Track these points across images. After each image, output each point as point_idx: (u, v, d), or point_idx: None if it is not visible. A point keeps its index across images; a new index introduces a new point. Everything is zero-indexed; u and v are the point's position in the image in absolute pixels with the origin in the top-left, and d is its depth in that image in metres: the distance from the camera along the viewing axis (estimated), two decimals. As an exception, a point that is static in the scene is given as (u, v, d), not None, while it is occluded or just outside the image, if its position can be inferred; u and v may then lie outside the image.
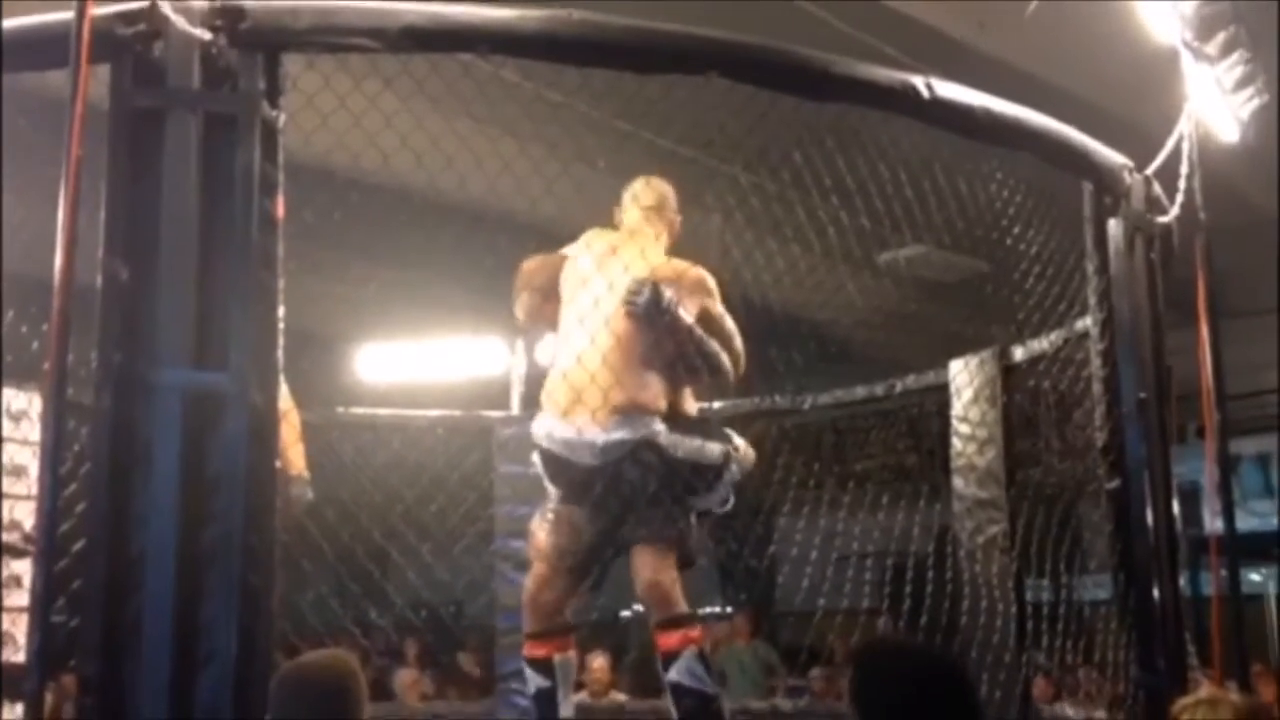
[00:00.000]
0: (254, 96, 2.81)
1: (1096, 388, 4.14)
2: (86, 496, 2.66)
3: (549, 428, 4.27)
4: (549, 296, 4.43)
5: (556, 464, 4.30)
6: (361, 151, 3.44)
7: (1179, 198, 4.18)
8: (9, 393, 4.93)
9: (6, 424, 4.95)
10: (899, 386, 5.96)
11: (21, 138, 3.03)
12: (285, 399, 4.12)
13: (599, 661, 7.54)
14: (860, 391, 6.14)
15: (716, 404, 5.59)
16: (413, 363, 9.82)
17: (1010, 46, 7.03)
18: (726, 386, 4.63)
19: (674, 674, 4.10)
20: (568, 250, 4.47)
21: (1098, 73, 7.06)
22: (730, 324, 4.40)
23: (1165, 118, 4.27)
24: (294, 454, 4.99)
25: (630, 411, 4.14)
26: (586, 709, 6.73)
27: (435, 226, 6.25)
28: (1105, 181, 4.05)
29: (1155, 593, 3.91)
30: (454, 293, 8.16)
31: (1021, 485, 5.23)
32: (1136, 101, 5.93)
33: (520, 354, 6.92)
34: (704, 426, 4.45)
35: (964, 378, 5.36)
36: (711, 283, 4.39)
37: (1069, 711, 5.37)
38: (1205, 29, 4.15)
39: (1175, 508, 4.06)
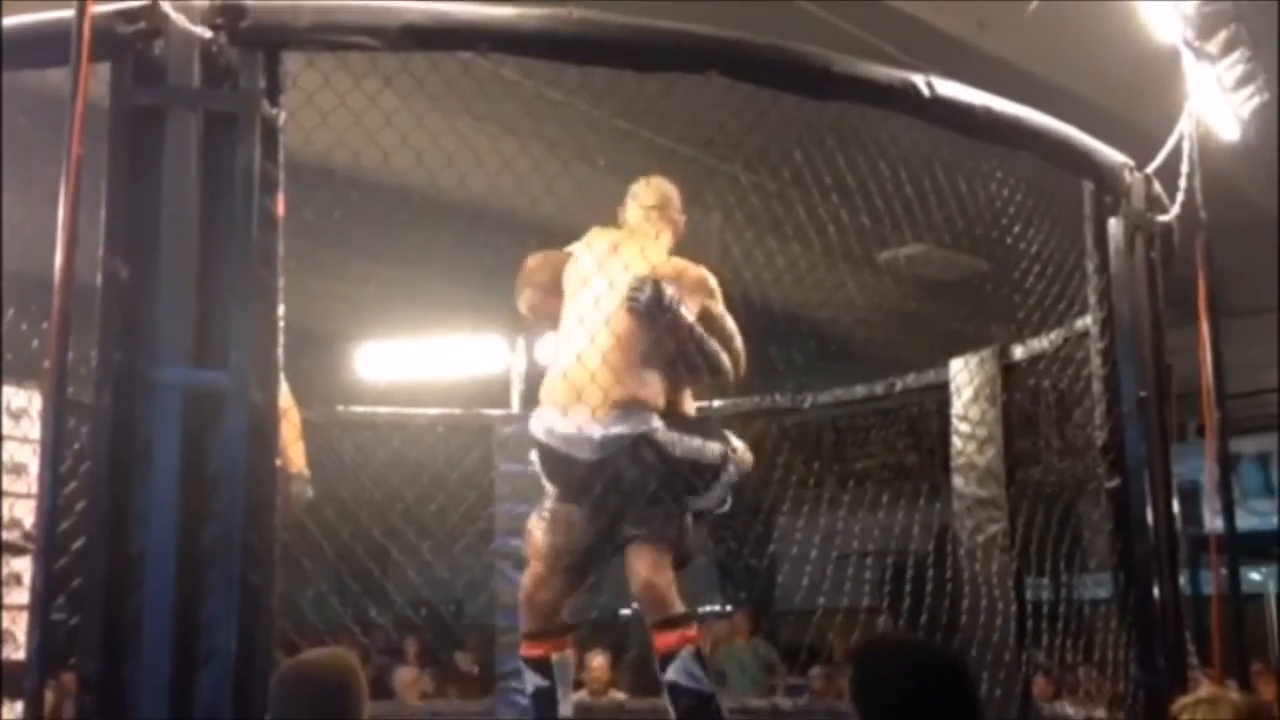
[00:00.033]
0: (254, 95, 2.81)
1: (1096, 386, 4.14)
2: (86, 494, 2.66)
3: (547, 422, 4.27)
4: (551, 292, 4.43)
5: (554, 459, 4.29)
6: (362, 150, 3.44)
7: (1179, 196, 4.18)
8: (9, 390, 4.93)
9: (6, 422, 4.94)
10: (899, 385, 5.97)
11: (22, 136, 3.02)
12: (285, 397, 4.12)
13: (598, 660, 7.54)
14: (860, 390, 6.14)
15: (716, 402, 5.59)
16: (413, 361, 9.82)
17: (1010, 45, 7.03)
18: (726, 386, 4.63)
19: (671, 674, 4.10)
20: (572, 248, 4.47)
21: (1098, 71, 7.06)
22: (731, 324, 4.40)
23: (1166, 116, 4.27)
24: (294, 452, 5.00)
25: (629, 407, 4.14)
26: (586, 708, 6.73)
27: (435, 225, 6.25)
28: (1106, 180, 4.05)
29: (1155, 591, 3.91)
30: (454, 291, 8.16)
31: (1021, 484, 5.23)
32: (1137, 100, 5.93)
33: (520, 352, 6.93)
34: (702, 426, 4.45)
35: (964, 376, 5.36)
36: (713, 283, 4.39)
37: (1069, 710, 5.36)
38: (1206, 28, 4.15)
39: (1175, 506, 4.06)
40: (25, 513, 5.08)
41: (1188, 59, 4.20)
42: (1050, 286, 4.42)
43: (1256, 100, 4.38)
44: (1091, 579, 4.91)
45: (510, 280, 4.59)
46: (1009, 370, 5.22)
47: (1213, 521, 4.80)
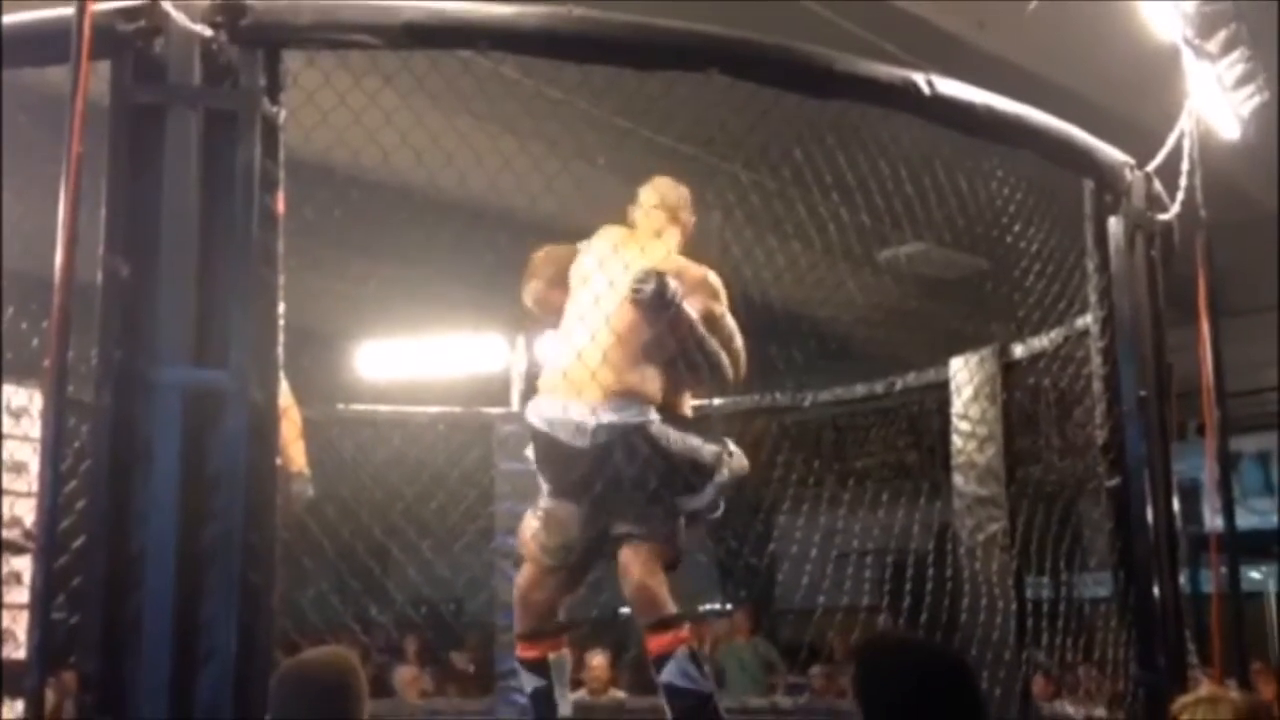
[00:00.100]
0: (254, 93, 2.81)
1: (1097, 385, 4.14)
2: (87, 493, 2.66)
3: (543, 409, 4.26)
4: (556, 286, 4.44)
5: (548, 447, 4.26)
6: (362, 148, 3.44)
7: (1180, 195, 4.18)
8: (9, 389, 4.93)
9: (7, 420, 4.95)
10: (899, 384, 5.97)
11: (22, 134, 3.02)
12: (285, 396, 4.13)
13: (598, 659, 7.53)
14: (860, 389, 6.15)
15: (716, 400, 5.59)
16: (413, 359, 9.83)
17: (1011, 44, 7.03)
18: (725, 387, 4.62)
19: (667, 675, 4.08)
20: (581, 245, 4.48)
21: (1098, 70, 7.06)
22: (732, 325, 4.39)
23: (1166, 115, 4.27)
24: (294, 451, 5.00)
25: (625, 396, 4.13)
26: (586, 707, 6.72)
27: (435, 223, 6.24)
28: (1106, 179, 4.05)
29: (1155, 590, 3.91)
30: (454, 289, 8.15)
31: (1022, 483, 5.24)
32: (1137, 99, 5.93)
33: (520, 350, 6.92)
34: (699, 427, 4.45)
35: (964, 375, 5.36)
36: (717, 284, 4.38)
37: (1069, 709, 5.36)
38: (1206, 26, 4.15)
39: (1175, 505, 4.06)
40: (26, 511, 5.07)
41: (1188, 58, 4.20)
42: (1050, 285, 4.42)
43: (1256, 99, 4.38)
44: (1091, 578, 4.91)
45: (510, 278, 4.60)
46: (1009, 369, 5.22)
47: (1213, 520, 4.80)
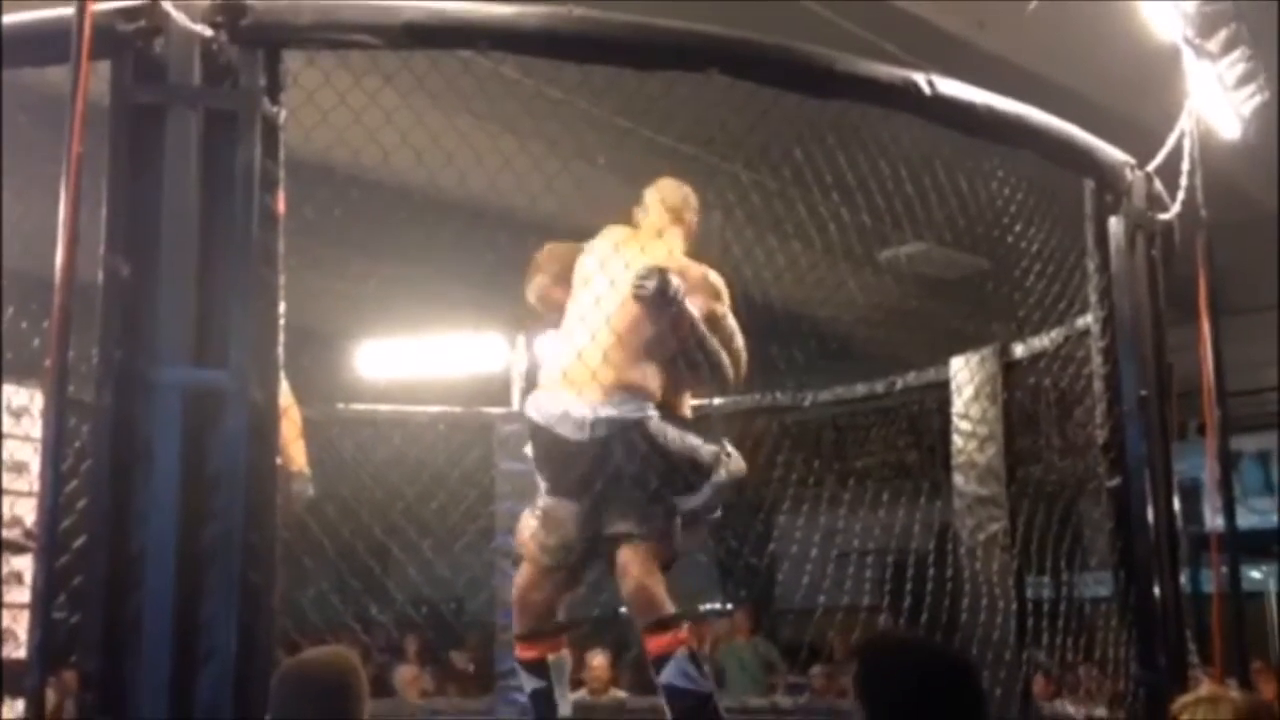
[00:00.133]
0: (255, 93, 2.81)
1: (1097, 385, 4.14)
2: (87, 493, 2.66)
3: (542, 402, 4.26)
4: (560, 282, 4.45)
5: (547, 442, 4.25)
6: (362, 148, 3.44)
7: (1180, 195, 4.18)
8: (10, 389, 4.93)
9: (7, 420, 4.94)
10: (899, 383, 5.97)
11: (22, 134, 3.02)
12: (286, 395, 4.12)
13: (599, 659, 7.53)
14: (861, 388, 6.15)
15: (717, 400, 5.59)
16: (413, 359, 9.81)
17: (1011, 44, 7.03)
18: (725, 388, 4.61)
19: (666, 676, 4.07)
20: (586, 245, 4.48)
21: (1099, 70, 7.05)
22: (734, 325, 4.39)
23: (1166, 115, 4.27)
24: (295, 450, 5.00)
25: (624, 391, 4.13)
26: (587, 707, 6.72)
27: (435, 223, 6.24)
28: (1106, 179, 4.05)
29: (1156, 590, 3.91)
30: (454, 289, 8.16)
31: (1022, 482, 5.23)
32: (1137, 99, 5.92)
33: (520, 350, 6.92)
34: (698, 426, 4.44)
35: (965, 375, 5.36)
36: (719, 284, 4.38)
37: (1069, 709, 5.36)
38: (1206, 26, 4.15)
39: (1176, 505, 4.06)
40: (26, 511, 5.07)
41: (1188, 57, 4.20)
42: (1051, 285, 4.42)
43: (1257, 99, 4.38)
44: (1092, 577, 4.91)
45: (511, 278, 4.60)
46: (1010, 368, 5.22)
47: (1213, 520, 4.79)
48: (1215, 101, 4.33)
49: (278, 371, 2.84)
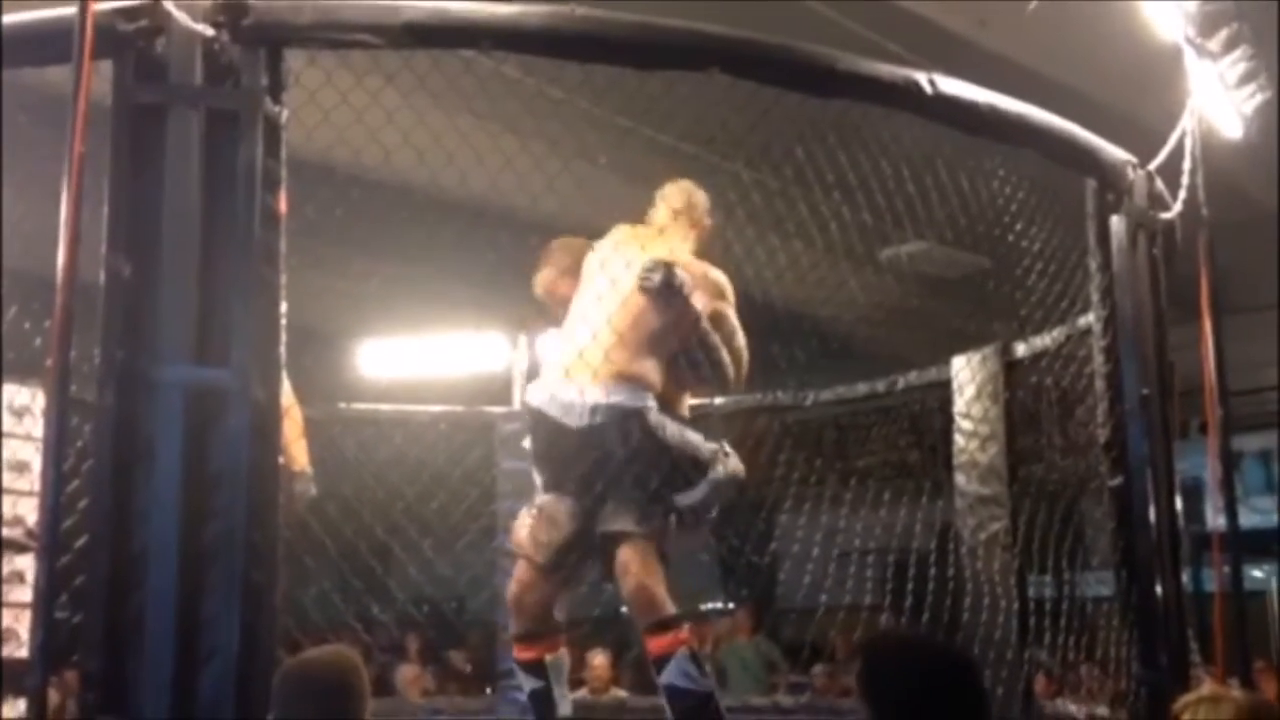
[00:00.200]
0: (256, 92, 2.81)
1: (1099, 384, 4.14)
2: (89, 492, 2.67)
3: (542, 390, 4.27)
4: (567, 275, 4.47)
5: (546, 431, 4.24)
6: (363, 147, 3.45)
7: (1182, 194, 4.18)
8: (11, 388, 4.93)
9: (9, 420, 4.95)
10: (901, 383, 5.97)
11: (23, 134, 3.02)
12: (287, 395, 4.12)
13: (599, 659, 7.54)
14: (862, 388, 6.14)
15: (719, 400, 5.58)
16: (415, 358, 9.81)
17: (1012, 43, 7.03)
18: (726, 387, 4.60)
19: (667, 677, 4.06)
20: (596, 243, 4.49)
21: (1100, 69, 7.05)
22: (736, 325, 4.39)
23: (1168, 114, 4.26)
24: (296, 450, 5.00)
25: (623, 380, 4.13)
26: (588, 706, 6.72)
27: (437, 222, 6.25)
28: (1108, 178, 4.05)
29: (1157, 589, 3.91)
30: (456, 288, 8.16)
31: (1024, 482, 5.23)
32: (1139, 98, 5.93)
33: (522, 349, 6.92)
34: (697, 424, 4.44)
35: (966, 374, 5.36)
36: (723, 282, 4.39)
37: (1071, 708, 5.36)
38: (1208, 25, 4.15)
39: (1178, 504, 4.06)
40: (28, 510, 5.08)
41: (1190, 56, 4.19)
42: (1053, 284, 4.42)
43: (1258, 98, 4.38)
44: (1094, 576, 4.91)
45: (512, 277, 4.62)
46: (1011, 368, 5.22)
47: (1215, 519, 4.80)
48: (1216, 101, 4.33)
49: (279, 371, 2.84)
